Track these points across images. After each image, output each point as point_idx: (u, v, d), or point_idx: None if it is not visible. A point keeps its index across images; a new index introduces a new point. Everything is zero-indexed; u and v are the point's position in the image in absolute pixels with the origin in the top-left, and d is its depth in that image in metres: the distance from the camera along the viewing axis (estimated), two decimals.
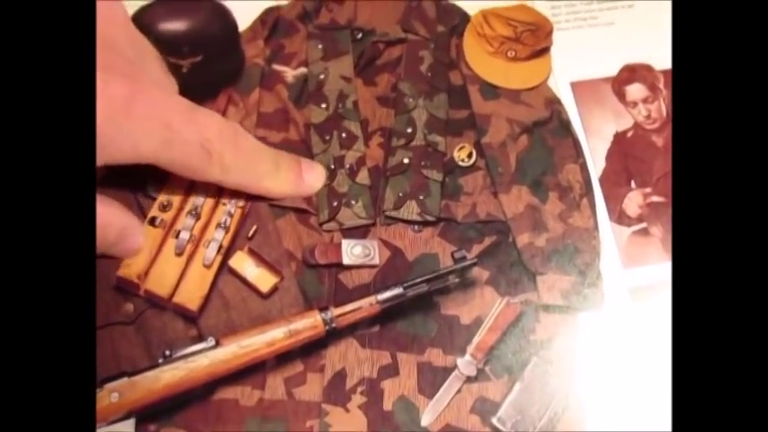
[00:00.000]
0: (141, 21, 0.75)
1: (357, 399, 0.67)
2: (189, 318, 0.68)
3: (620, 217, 0.77)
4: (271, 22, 0.83)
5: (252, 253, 0.71)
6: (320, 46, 0.82)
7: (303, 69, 0.81)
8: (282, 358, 0.67)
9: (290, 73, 0.81)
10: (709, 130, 0.50)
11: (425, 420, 0.67)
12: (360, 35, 0.83)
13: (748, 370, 0.48)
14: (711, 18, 0.52)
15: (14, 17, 0.50)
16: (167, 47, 0.74)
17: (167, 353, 0.64)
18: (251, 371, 0.66)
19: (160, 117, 0.62)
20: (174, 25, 0.74)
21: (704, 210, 0.50)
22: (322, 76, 0.80)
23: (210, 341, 0.64)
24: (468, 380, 0.68)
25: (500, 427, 0.66)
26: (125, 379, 0.62)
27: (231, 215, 0.71)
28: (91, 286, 0.50)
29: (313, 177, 0.74)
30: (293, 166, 0.73)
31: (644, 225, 0.77)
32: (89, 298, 0.49)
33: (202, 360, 0.64)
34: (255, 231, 0.72)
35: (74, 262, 0.48)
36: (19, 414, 0.46)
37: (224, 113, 0.78)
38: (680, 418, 0.49)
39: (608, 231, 0.76)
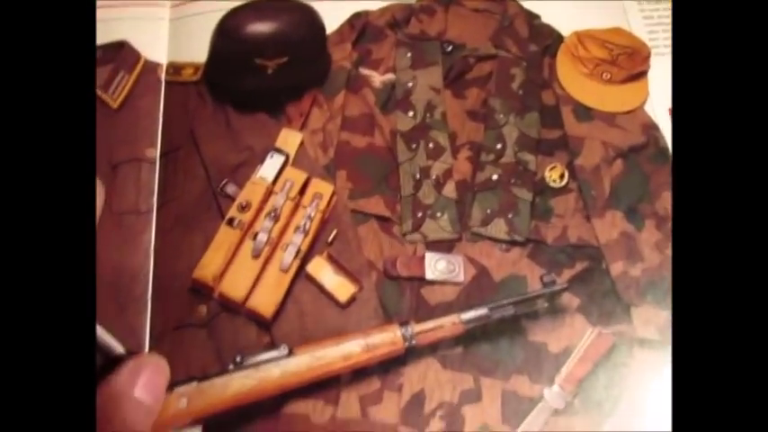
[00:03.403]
0: (228, 24, 0.74)
1: (436, 424, 0.62)
2: (262, 324, 0.64)
3: None
4: (359, 27, 0.81)
5: (331, 259, 0.67)
6: (409, 54, 0.79)
7: (391, 76, 0.78)
8: (358, 374, 0.63)
9: (377, 78, 0.78)
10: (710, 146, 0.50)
11: None
12: (450, 48, 0.80)
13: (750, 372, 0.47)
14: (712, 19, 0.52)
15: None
16: (253, 48, 0.72)
17: (238, 359, 0.59)
18: (324, 385, 0.62)
19: None
20: (260, 27, 0.73)
21: (705, 217, 0.50)
22: (410, 84, 0.77)
23: (283, 349, 0.60)
24: (556, 412, 0.63)
25: None
26: (194, 384, 0.58)
27: (311, 218, 0.67)
28: (91, 288, 0.46)
29: None
30: None
31: None
32: (89, 302, 0.46)
33: (274, 370, 0.60)
34: (335, 237, 0.68)
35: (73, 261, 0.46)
36: (20, 416, 0.42)
37: (308, 115, 0.75)
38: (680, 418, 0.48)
39: None
